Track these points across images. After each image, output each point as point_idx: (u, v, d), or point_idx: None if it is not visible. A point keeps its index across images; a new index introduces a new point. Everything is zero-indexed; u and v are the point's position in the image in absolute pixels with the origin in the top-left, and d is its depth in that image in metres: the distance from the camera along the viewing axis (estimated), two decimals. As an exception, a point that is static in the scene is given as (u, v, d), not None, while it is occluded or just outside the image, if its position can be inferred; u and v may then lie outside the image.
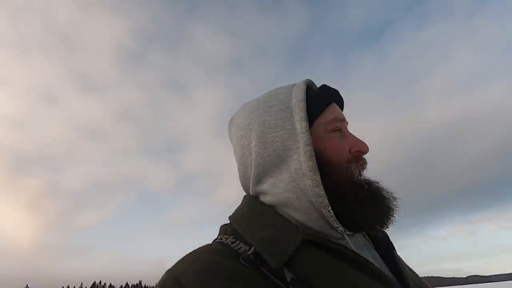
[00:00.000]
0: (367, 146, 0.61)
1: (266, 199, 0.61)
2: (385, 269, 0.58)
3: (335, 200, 0.56)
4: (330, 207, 0.55)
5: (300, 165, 0.57)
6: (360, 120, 59.56)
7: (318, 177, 0.56)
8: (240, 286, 0.45)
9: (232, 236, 0.57)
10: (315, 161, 0.57)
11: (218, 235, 0.61)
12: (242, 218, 0.60)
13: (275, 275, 0.48)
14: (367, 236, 0.65)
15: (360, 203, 0.56)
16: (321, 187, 0.56)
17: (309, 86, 0.66)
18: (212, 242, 0.59)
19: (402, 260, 0.67)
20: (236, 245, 0.54)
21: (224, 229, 0.61)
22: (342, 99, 0.68)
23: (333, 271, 0.50)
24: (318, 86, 0.68)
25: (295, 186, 0.57)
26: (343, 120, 0.63)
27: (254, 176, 0.63)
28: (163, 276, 0.49)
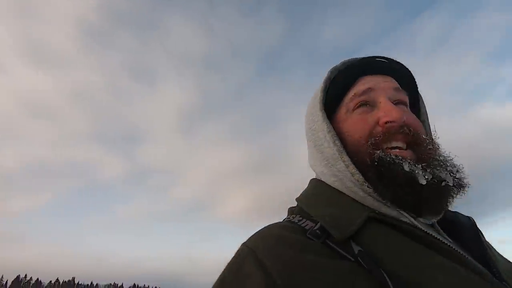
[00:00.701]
0: (396, 115, 0.57)
1: (328, 181, 0.64)
2: (465, 253, 0.51)
3: (367, 178, 0.56)
4: (367, 183, 0.55)
5: (331, 150, 0.60)
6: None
7: (346, 157, 0.58)
8: (308, 256, 0.46)
9: (299, 215, 0.59)
10: (339, 144, 0.60)
11: (287, 216, 0.64)
12: (308, 198, 0.64)
13: (342, 248, 0.48)
14: (437, 226, 0.59)
15: (382, 181, 0.54)
16: (353, 166, 0.57)
17: (342, 68, 0.68)
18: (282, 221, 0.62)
19: (493, 248, 0.61)
20: (303, 223, 0.56)
21: (291, 210, 0.65)
22: (375, 65, 0.65)
23: (402, 246, 0.48)
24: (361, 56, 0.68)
25: (334, 170, 0.60)
26: (365, 92, 0.62)
27: (311, 164, 0.71)
28: (238, 248, 0.52)
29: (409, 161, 0.53)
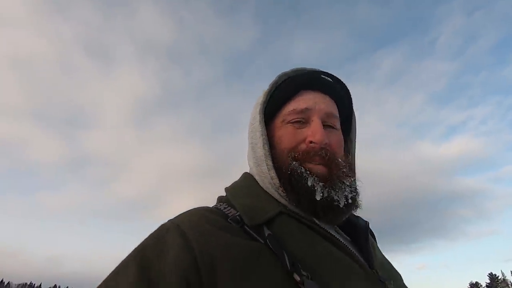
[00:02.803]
0: (320, 137, 0.66)
1: (255, 177, 0.74)
2: (354, 250, 0.66)
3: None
4: (282, 188, 0.66)
5: (261, 152, 0.70)
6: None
7: (270, 162, 0.68)
8: (227, 235, 0.55)
9: (225, 204, 0.68)
10: (267, 148, 0.70)
11: (216, 203, 0.72)
12: (234, 188, 0.74)
13: (256, 232, 0.58)
14: (336, 227, 0.73)
15: (291, 188, 0.64)
16: (273, 171, 0.67)
17: (291, 75, 0.75)
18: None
19: (377, 247, 0.77)
20: (227, 210, 0.65)
21: (220, 199, 0.73)
22: (318, 82, 0.74)
23: (304, 235, 0.60)
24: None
25: (259, 170, 0.71)
26: (303, 111, 0.70)
27: (247, 156, 0.80)
28: (163, 223, 0.59)
29: (314, 177, 0.63)
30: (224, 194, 0.75)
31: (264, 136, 0.70)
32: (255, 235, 0.57)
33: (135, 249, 0.54)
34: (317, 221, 0.64)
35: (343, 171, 0.66)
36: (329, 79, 0.75)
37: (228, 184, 0.78)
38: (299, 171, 0.64)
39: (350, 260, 0.59)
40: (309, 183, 0.63)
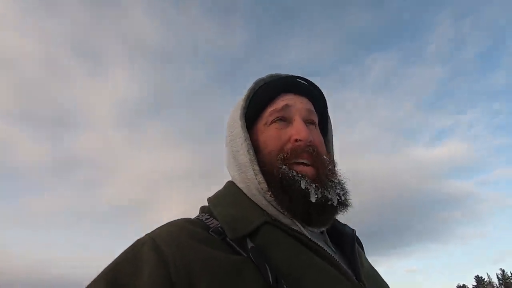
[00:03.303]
0: (305, 134, 0.66)
1: (238, 186, 0.71)
2: (340, 260, 0.64)
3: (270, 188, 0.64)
4: (270, 192, 0.63)
5: (245, 158, 0.67)
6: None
7: (256, 167, 0.66)
8: (207, 248, 0.53)
9: (208, 214, 0.66)
10: (252, 153, 0.67)
11: (198, 214, 0.69)
12: (217, 198, 0.71)
13: (238, 245, 0.56)
14: (325, 234, 0.71)
15: (282, 192, 0.62)
16: (261, 175, 0.65)
17: (267, 80, 0.76)
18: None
19: (364, 256, 0.76)
20: (209, 221, 0.62)
21: (202, 209, 0.71)
22: (296, 85, 0.74)
23: (289, 247, 0.58)
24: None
25: (244, 177, 0.68)
26: (283, 108, 0.70)
27: (227, 167, 0.77)
28: (139, 238, 0.57)
29: (306, 179, 0.62)
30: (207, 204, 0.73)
31: (248, 141, 0.68)
32: (237, 247, 0.55)
33: (108, 266, 0.51)
34: (303, 231, 0.62)
35: (329, 169, 0.67)
36: (304, 82, 0.76)
37: (221, 187, 0.76)
38: (290, 175, 0.62)
39: (336, 272, 0.58)
40: (303, 186, 0.61)
